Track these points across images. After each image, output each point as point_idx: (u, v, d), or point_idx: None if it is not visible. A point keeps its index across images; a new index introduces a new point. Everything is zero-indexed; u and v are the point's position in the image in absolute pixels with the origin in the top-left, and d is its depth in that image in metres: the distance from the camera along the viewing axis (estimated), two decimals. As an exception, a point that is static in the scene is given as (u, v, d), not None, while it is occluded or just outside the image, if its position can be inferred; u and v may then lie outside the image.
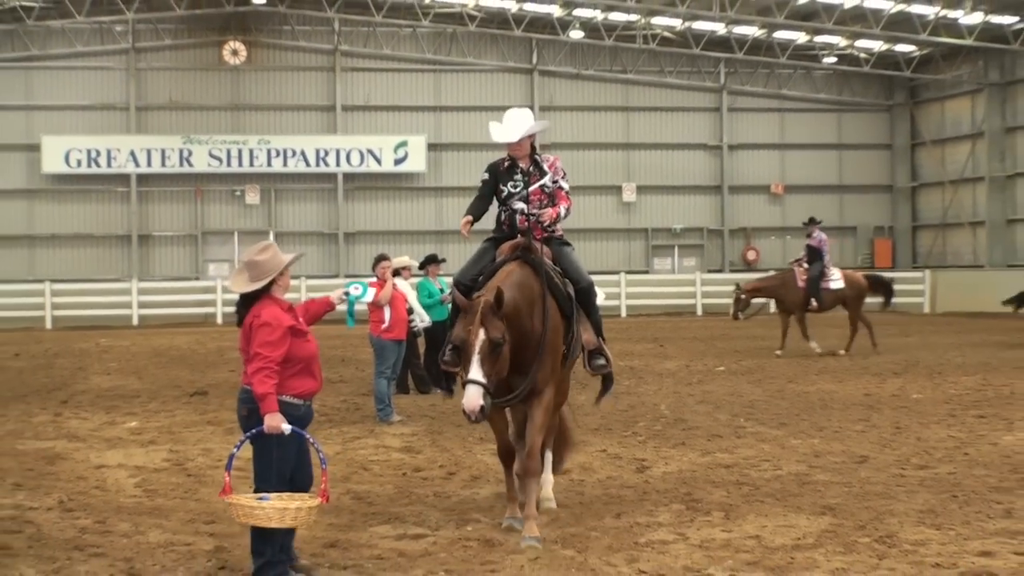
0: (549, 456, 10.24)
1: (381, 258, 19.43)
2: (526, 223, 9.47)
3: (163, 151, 47.38)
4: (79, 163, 47.23)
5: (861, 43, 49.68)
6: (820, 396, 19.49)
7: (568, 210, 9.81)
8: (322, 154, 48.51)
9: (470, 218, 9.60)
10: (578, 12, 47.93)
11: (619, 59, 50.78)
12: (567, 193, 9.81)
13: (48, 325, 43.90)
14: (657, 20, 48.21)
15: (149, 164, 47.65)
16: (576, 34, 49.24)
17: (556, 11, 47.43)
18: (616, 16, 47.99)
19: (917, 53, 50.34)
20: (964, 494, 11.05)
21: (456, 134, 49.32)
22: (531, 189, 9.56)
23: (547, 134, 47.05)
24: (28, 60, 47.68)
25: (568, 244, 10.05)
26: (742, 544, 9.23)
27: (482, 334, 8.09)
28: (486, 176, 9.83)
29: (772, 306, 31.34)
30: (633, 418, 17.23)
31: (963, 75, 49.41)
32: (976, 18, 44.19)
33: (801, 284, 26.52)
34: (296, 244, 47.61)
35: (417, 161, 48.00)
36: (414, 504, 11.45)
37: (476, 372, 8.05)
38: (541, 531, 8.92)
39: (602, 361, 9.76)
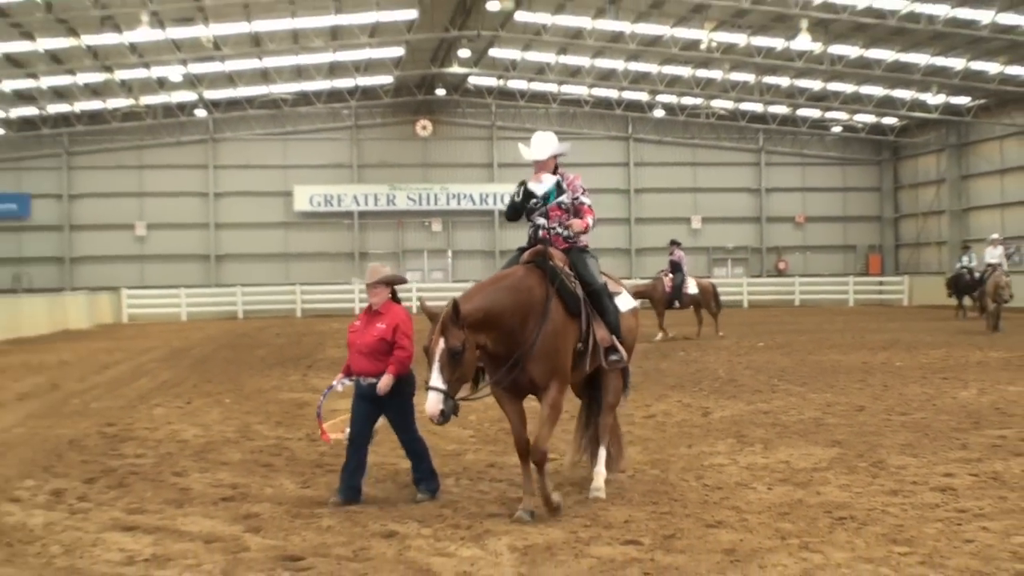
0: (603, 452, 10.55)
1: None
2: (547, 235, 10.01)
3: (375, 195, 61.38)
4: (319, 204, 60.98)
5: (859, 117, 61.76)
6: (831, 364, 23.11)
7: (594, 220, 10.38)
8: (484, 197, 61.68)
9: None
10: (660, 97, 59.65)
11: (688, 130, 63.38)
12: (589, 206, 10.32)
13: (298, 314, 55.06)
14: (715, 103, 60.33)
15: (366, 204, 61.54)
16: (658, 113, 61.43)
17: (645, 97, 59.63)
18: (686, 100, 59.87)
19: (898, 124, 62.35)
20: (933, 433, 13.62)
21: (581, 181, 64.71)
22: (549, 206, 10.12)
23: (639, 180, 62.09)
24: (285, 134, 61.58)
25: (586, 252, 10.31)
26: (776, 466, 11.61)
27: (442, 343, 8.58)
28: (517, 190, 10.39)
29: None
30: (699, 378, 20.58)
31: (931, 139, 60.98)
32: (940, 99, 54.99)
33: (667, 289, 31.39)
34: (466, 260, 62.07)
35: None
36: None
37: (436, 379, 8.56)
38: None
39: (616, 357, 10.03)
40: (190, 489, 10.88)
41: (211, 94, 57.33)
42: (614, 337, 10.10)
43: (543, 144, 10.44)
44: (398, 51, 53.47)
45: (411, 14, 46.39)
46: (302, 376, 22.76)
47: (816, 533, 8.60)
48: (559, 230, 10.22)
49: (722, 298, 53.50)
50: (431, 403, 8.61)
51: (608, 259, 59.55)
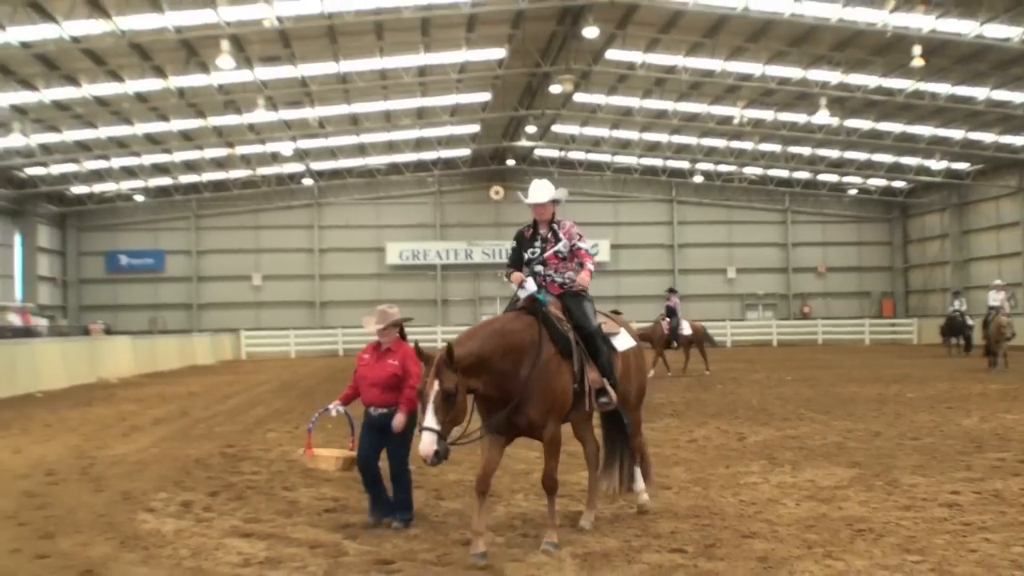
0: (638, 471, 10.12)
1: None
2: (543, 282, 9.26)
3: (455, 250, 62.00)
4: (407, 258, 61.78)
5: (872, 181, 61.84)
6: (850, 395, 22.73)
7: (593, 265, 9.58)
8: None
9: (519, 273, 9.31)
10: (699, 165, 59.92)
11: (724, 193, 62.78)
12: (587, 251, 9.53)
13: None
14: (747, 169, 60.17)
15: (447, 258, 62.06)
16: (698, 178, 61.46)
17: (686, 165, 59.74)
18: (722, 167, 60.14)
19: (907, 187, 62.27)
20: (940, 455, 13.49)
21: (627, 238, 62.73)
22: (547, 255, 9.35)
23: (681, 237, 62.04)
24: (378, 199, 62.43)
25: (581, 296, 9.41)
26: (803, 485, 11.53)
27: (436, 385, 7.80)
28: (514, 244, 9.73)
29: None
30: (734, 408, 20.30)
31: (935, 199, 61.23)
32: (943, 165, 55.73)
33: (665, 331, 30.86)
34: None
35: (605, 254, 59.91)
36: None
37: (430, 420, 7.77)
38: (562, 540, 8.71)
39: (605, 399, 9.08)
40: (298, 502, 11.07)
41: (316, 165, 58.74)
42: (605, 380, 9.12)
43: (540, 190, 9.68)
44: (474, 128, 54.10)
45: (486, 96, 47.12)
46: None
47: (838, 543, 8.66)
48: (555, 277, 9.45)
49: (758, 337, 56.26)
50: (425, 444, 7.81)
51: (652, 306, 59.69)
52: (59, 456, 15.47)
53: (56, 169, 53.35)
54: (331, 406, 10.14)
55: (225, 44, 33.62)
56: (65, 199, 60.36)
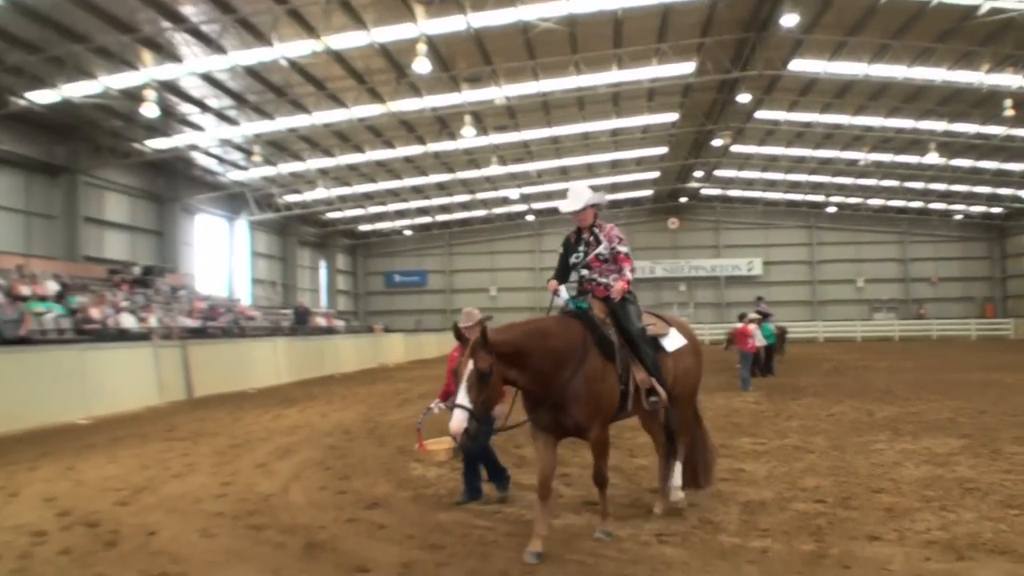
0: (678, 466, 8.30)
1: (744, 315, 24.09)
2: (589, 286, 7.81)
3: (641, 268, 55.88)
4: None
5: (974, 208, 57.88)
6: (959, 380, 21.51)
7: (632, 269, 7.89)
8: (714, 267, 61.08)
9: (555, 282, 7.78)
10: (832, 199, 57.56)
11: (852, 219, 60.40)
12: (626, 254, 7.88)
13: None
14: (871, 201, 57.82)
15: (637, 274, 59.25)
16: (831, 209, 59.21)
17: (821, 198, 57.70)
18: (851, 200, 57.58)
19: (1003, 212, 57.21)
20: None
21: (775, 256, 60.91)
22: (589, 258, 7.84)
23: (819, 254, 60.00)
24: (489, 243, 63.26)
25: (627, 299, 7.76)
26: (921, 451, 10.88)
27: (471, 364, 6.56)
28: (561, 251, 8.12)
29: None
30: (865, 390, 19.41)
31: None
32: None
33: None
34: (702, 310, 60.71)
35: (758, 269, 60.38)
36: (761, 426, 13.48)
37: (463, 397, 6.51)
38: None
39: (654, 398, 7.57)
40: (526, 456, 10.95)
41: (536, 205, 58.86)
42: (654, 379, 7.57)
43: (577, 197, 7.90)
44: (655, 174, 53.77)
45: (663, 150, 46.90)
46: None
47: (951, 499, 8.40)
48: (599, 280, 7.87)
49: (883, 334, 54.15)
50: (456, 421, 6.49)
51: (797, 309, 58.76)
52: (352, 420, 16.10)
53: (349, 213, 55.70)
54: (432, 405, 9.02)
55: (468, 118, 34.53)
56: (355, 234, 63.07)
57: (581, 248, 7.96)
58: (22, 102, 27.84)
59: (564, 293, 7.78)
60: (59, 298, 25.19)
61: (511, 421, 7.64)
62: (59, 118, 30.71)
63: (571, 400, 7.03)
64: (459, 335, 6.97)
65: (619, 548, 6.94)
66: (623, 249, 7.92)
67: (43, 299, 24.21)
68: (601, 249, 7.86)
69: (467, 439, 6.45)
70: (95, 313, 24.71)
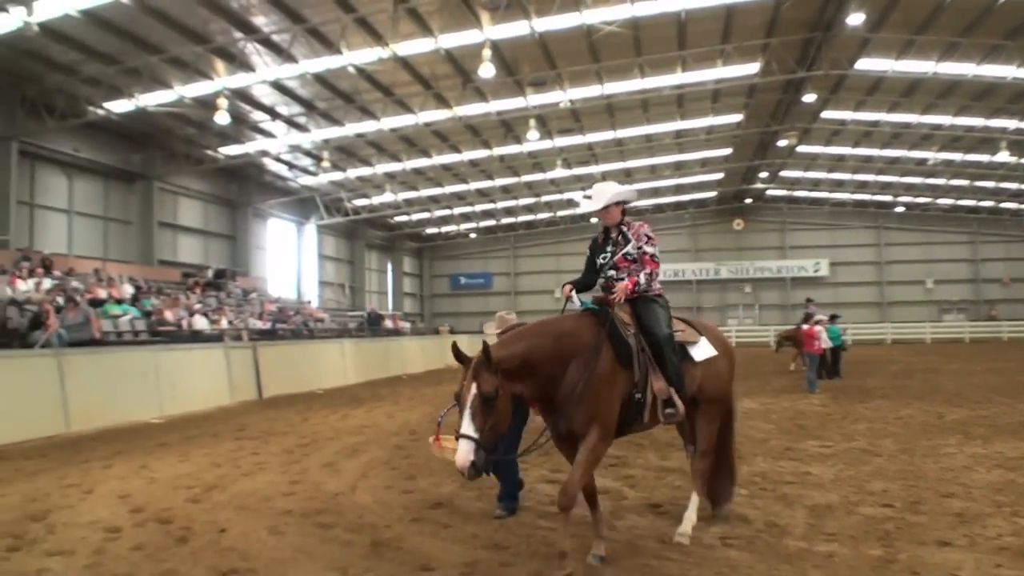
0: (694, 498, 7.38)
1: (810, 315, 24.84)
2: (612, 284, 7.09)
3: (706, 269, 61.03)
4: (668, 276, 57.58)
5: None
6: None
7: (650, 275, 7.10)
8: (780, 269, 60.25)
9: (569, 286, 7.24)
10: (900, 199, 56.73)
11: (921, 219, 59.17)
12: (651, 256, 7.15)
13: None
14: (940, 200, 56.32)
15: (700, 275, 61.06)
16: (899, 209, 58.48)
17: (889, 198, 56.89)
18: (920, 199, 56.24)
19: None
20: None
21: (842, 257, 59.82)
22: (616, 258, 7.18)
23: (888, 255, 58.71)
24: (554, 245, 62.52)
25: (656, 301, 7.08)
26: (993, 455, 10.64)
27: (474, 388, 5.74)
28: (588, 253, 7.51)
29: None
30: (934, 392, 19.03)
31: None
32: None
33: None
34: (767, 312, 60.17)
35: (825, 270, 59.51)
36: (827, 429, 13.21)
37: (467, 426, 5.66)
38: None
39: (671, 411, 6.70)
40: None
41: (600, 208, 58.65)
42: (673, 390, 6.69)
43: (600, 194, 7.25)
44: (719, 175, 53.30)
45: (727, 151, 46.48)
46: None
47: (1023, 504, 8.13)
48: (626, 280, 7.07)
49: (953, 335, 53.11)
50: (461, 454, 5.61)
51: (865, 310, 57.71)
52: (419, 420, 16.16)
53: (415, 216, 56.37)
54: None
55: (532, 122, 34.70)
56: (421, 237, 63.76)
57: (609, 248, 7.34)
58: (100, 112, 28.74)
59: (577, 300, 7.15)
60: (134, 301, 25.75)
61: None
62: (135, 126, 31.65)
63: (572, 403, 6.28)
64: (459, 356, 6.08)
65: (682, 551, 6.84)
66: (650, 250, 7.21)
67: (119, 302, 24.76)
68: (629, 248, 7.21)
69: (474, 472, 5.62)
70: (169, 315, 25.19)
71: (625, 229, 7.27)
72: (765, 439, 12.51)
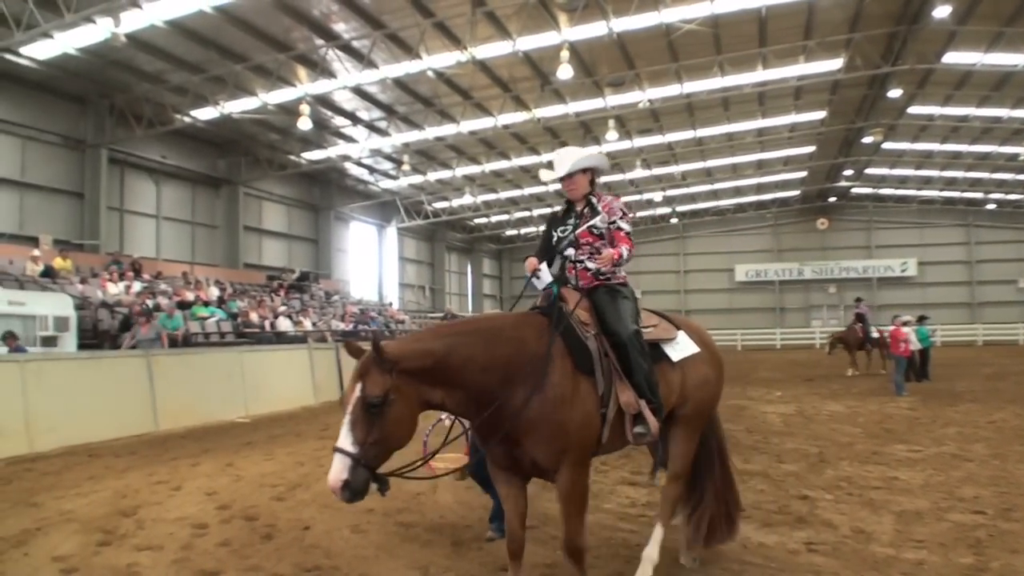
0: (658, 531, 6.05)
1: (861, 316, 26.49)
2: (572, 270, 5.74)
3: (789, 269, 59.90)
4: (751, 276, 60.63)
5: None
6: None
7: (629, 252, 5.69)
8: (865, 269, 58.77)
9: (534, 260, 5.66)
10: (991, 196, 54.75)
11: (1014, 217, 56.86)
12: (627, 235, 5.77)
13: (738, 348, 52.07)
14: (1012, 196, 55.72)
15: (784, 276, 60.10)
16: (990, 206, 56.57)
17: (980, 195, 54.94)
18: (1012, 196, 54.10)
19: None
20: None
21: (931, 256, 58.09)
22: (578, 232, 5.71)
23: (978, 254, 56.75)
24: (727, 231, 61.10)
25: (618, 291, 5.69)
26: None
27: (358, 390, 4.54)
28: (544, 227, 6.04)
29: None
30: (1000, 393, 19.44)
31: None
32: None
33: (860, 335, 26.97)
34: (848, 312, 62.33)
35: (913, 269, 58.06)
36: (915, 433, 12.94)
37: (344, 438, 4.47)
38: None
39: (641, 429, 5.30)
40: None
41: (680, 208, 58.54)
42: (644, 403, 5.33)
43: (565, 159, 5.88)
44: (803, 173, 52.44)
45: (811, 148, 45.60)
46: (742, 388, 21.94)
47: None
48: (587, 264, 5.80)
49: (995, 340, 50.32)
50: (333, 471, 4.47)
51: (954, 311, 56.19)
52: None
53: (495, 219, 56.89)
54: (443, 416, 7.20)
55: (611, 122, 34.68)
56: (501, 239, 64.43)
57: (570, 222, 5.92)
58: (187, 119, 29.55)
59: (546, 274, 5.72)
60: (221, 303, 26.39)
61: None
62: (221, 133, 32.53)
63: (526, 431, 4.99)
64: (352, 350, 4.96)
65: (766, 556, 6.75)
66: (625, 227, 5.86)
67: (206, 304, 25.45)
68: (596, 221, 5.80)
69: (349, 494, 4.48)
70: (254, 317, 25.76)
71: (594, 200, 5.92)
72: (851, 443, 12.31)
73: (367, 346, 4.79)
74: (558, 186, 6.14)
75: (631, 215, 5.93)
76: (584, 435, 5.15)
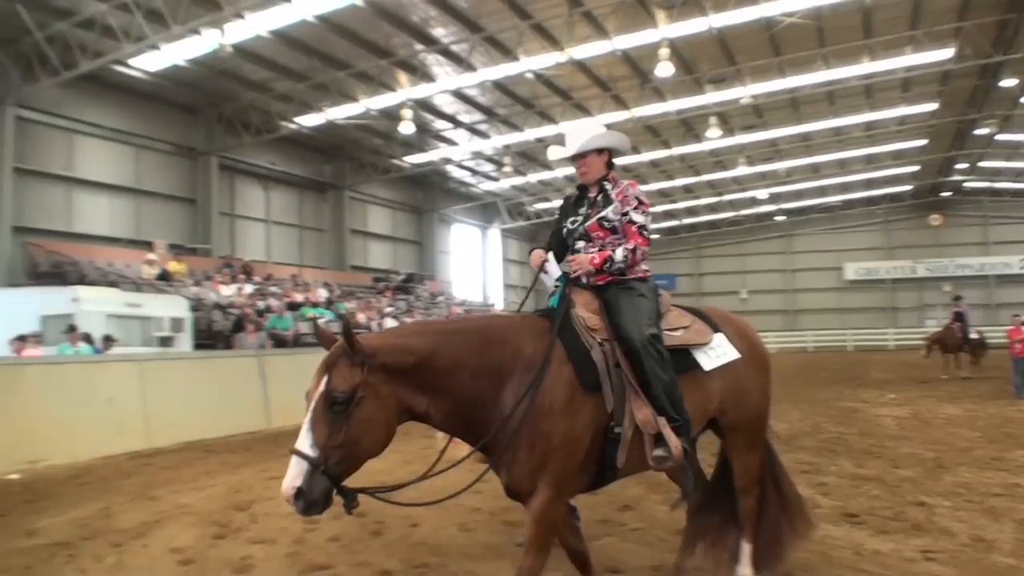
0: (746, 547, 5.55)
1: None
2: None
3: (902, 267, 57.35)
4: (862, 274, 58.14)
5: None
6: None
7: (632, 251, 4.95)
8: (982, 266, 55.93)
9: (540, 251, 5.09)
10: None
11: None
12: (640, 228, 5.01)
13: (849, 349, 51.72)
14: None
15: (896, 274, 57.63)
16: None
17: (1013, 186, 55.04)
18: None
19: None
20: None
21: None
22: (588, 224, 5.06)
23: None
24: (836, 228, 58.53)
25: (635, 288, 4.95)
26: None
27: (322, 384, 4.03)
28: (558, 215, 5.36)
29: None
30: None
31: None
32: None
33: (958, 335, 25.59)
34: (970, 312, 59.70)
35: (1016, 268, 54.80)
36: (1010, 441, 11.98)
37: (303, 439, 3.94)
38: None
39: (662, 452, 4.54)
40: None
41: (786, 205, 57.60)
42: (664, 420, 4.57)
43: (575, 136, 5.20)
44: (914, 168, 50.67)
45: (922, 142, 44.14)
46: (854, 390, 21.45)
47: None
48: (571, 267, 5.13)
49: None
50: (287, 476, 3.95)
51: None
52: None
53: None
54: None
55: (713, 120, 34.28)
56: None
57: (582, 211, 5.25)
58: (292, 126, 30.39)
59: (554, 268, 5.14)
60: (329, 304, 26.99)
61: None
62: (325, 139, 33.34)
63: (508, 445, 4.43)
64: (320, 336, 4.48)
65: (881, 563, 6.55)
66: (639, 219, 5.11)
67: (315, 305, 26.09)
68: (608, 212, 5.12)
69: (304, 504, 3.94)
70: (361, 318, 26.24)
71: (608, 187, 5.22)
72: (970, 448, 11.89)
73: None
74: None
75: (648, 205, 5.19)
76: (566, 453, 4.44)
